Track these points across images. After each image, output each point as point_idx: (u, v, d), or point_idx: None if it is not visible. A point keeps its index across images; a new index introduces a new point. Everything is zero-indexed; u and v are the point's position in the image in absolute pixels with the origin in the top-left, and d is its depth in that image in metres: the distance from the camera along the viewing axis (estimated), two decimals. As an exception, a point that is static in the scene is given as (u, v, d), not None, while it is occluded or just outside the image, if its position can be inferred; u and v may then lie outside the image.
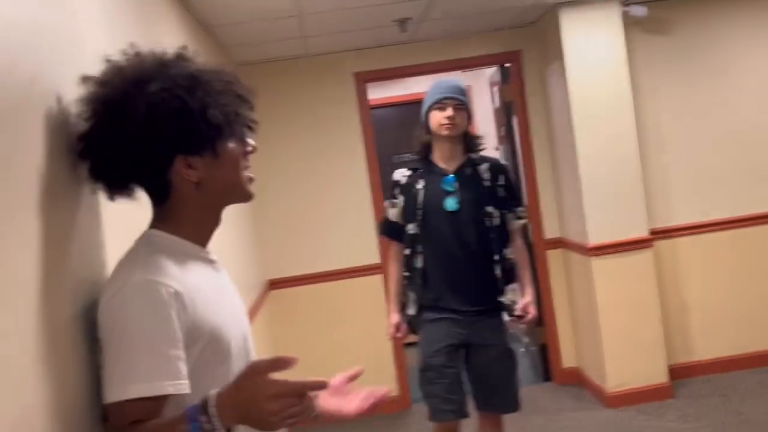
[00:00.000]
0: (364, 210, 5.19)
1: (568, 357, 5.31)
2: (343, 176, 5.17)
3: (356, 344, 5.11)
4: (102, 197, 1.47)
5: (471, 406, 3.36)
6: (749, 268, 5.06)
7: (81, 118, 1.39)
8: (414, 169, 3.42)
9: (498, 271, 3.29)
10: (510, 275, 3.35)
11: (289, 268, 5.14)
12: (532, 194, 5.19)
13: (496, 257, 3.29)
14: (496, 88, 5.85)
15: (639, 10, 4.72)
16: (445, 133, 3.27)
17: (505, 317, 3.36)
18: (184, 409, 1.24)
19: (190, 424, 1.21)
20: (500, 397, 3.34)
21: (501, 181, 3.36)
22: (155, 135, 1.32)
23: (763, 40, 5.04)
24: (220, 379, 1.37)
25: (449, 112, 3.24)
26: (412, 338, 3.56)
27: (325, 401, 1.65)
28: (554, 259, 5.24)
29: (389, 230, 3.50)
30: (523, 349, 5.81)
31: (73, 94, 1.42)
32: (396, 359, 5.22)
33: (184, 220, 1.42)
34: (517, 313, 3.31)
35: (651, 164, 4.97)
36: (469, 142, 3.37)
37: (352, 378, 1.76)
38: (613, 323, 4.69)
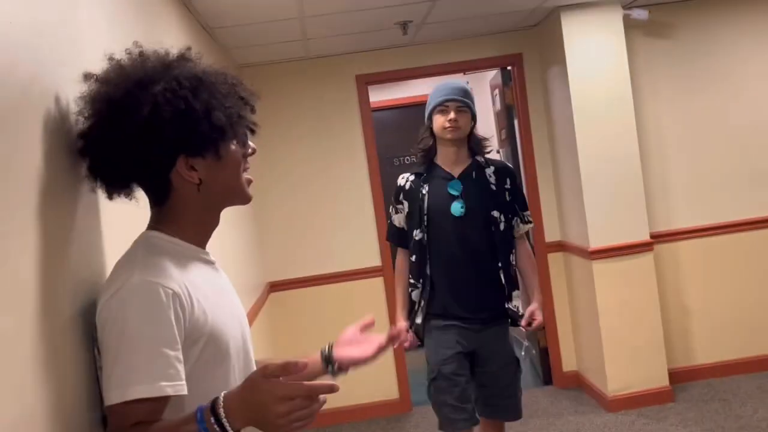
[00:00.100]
0: (365, 212, 5.18)
1: (568, 360, 5.30)
2: (344, 178, 5.17)
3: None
4: (101, 197, 1.47)
5: None
6: (750, 273, 5.05)
7: (82, 116, 1.39)
8: (418, 174, 3.34)
9: (504, 278, 3.23)
10: (515, 281, 3.29)
11: (289, 271, 5.13)
12: (533, 197, 5.18)
13: (502, 263, 3.23)
14: (497, 91, 5.85)
15: (640, 14, 4.73)
16: (448, 136, 3.22)
17: (510, 324, 3.31)
18: (194, 410, 1.24)
19: (198, 425, 1.20)
20: (504, 405, 3.30)
21: (507, 184, 3.30)
22: (157, 135, 1.32)
23: (764, 45, 5.03)
24: (220, 379, 1.38)
25: (452, 114, 3.19)
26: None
27: (343, 352, 1.76)
28: (555, 262, 5.24)
29: (395, 236, 3.44)
30: (523, 353, 5.81)
31: (73, 93, 1.42)
32: (396, 362, 5.21)
33: (184, 222, 1.41)
34: (523, 322, 3.23)
35: (652, 168, 4.97)
36: (474, 144, 3.31)
37: (365, 327, 1.82)
38: (613, 327, 4.68)
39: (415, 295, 3.31)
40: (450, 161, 3.29)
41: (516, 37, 5.18)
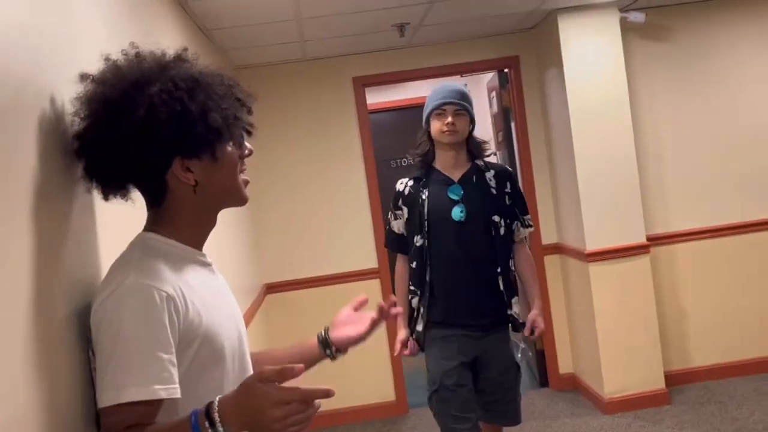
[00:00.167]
0: (362, 214, 5.18)
1: (565, 363, 5.30)
2: (341, 180, 5.17)
3: (353, 349, 5.08)
4: (97, 199, 1.47)
5: None
6: (746, 276, 5.06)
7: (77, 117, 1.39)
8: (417, 179, 3.28)
9: (503, 283, 3.18)
10: (515, 287, 3.24)
11: (286, 272, 5.13)
12: (530, 199, 5.18)
13: (503, 269, 3.18)
14: (494, 93, 5.85)
15: (637, 17, 4.73)
16: (446, 140, 3.17)
17: (511, 331, 3.27)
18: (189, 414, 1.23)
19: (193, 430, 1.20)
20: (504, 411, 3.26)
21: (507, 188, 3.25)
22: (153, 137, 1.31)
23: (761, 49, 5.04)
24: (215, 382, 1.38)
25: (449, 118, 3.14)
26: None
27: (340, 334, 1.78)
28: (551, 264, 5.24)
29: (393, 243, 3.37)
30: (519, 355, 5.81)
31: (69, 94, 1.42)
32: (393, 364, 5.20)
33: (180, 223, 1.41)
34: (526, 332, 3.19)
35: (648, 171, 4.97)
36: (473, 147, 3.26)
37: (359, 305, 1.84)
38: (610, 329, 4.68)
39: (415, 302, 3.24)
40: (449, 165, 3.24)
41: (513, 39, 5.18)
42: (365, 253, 5.18)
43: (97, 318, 1.28)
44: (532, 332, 3.21)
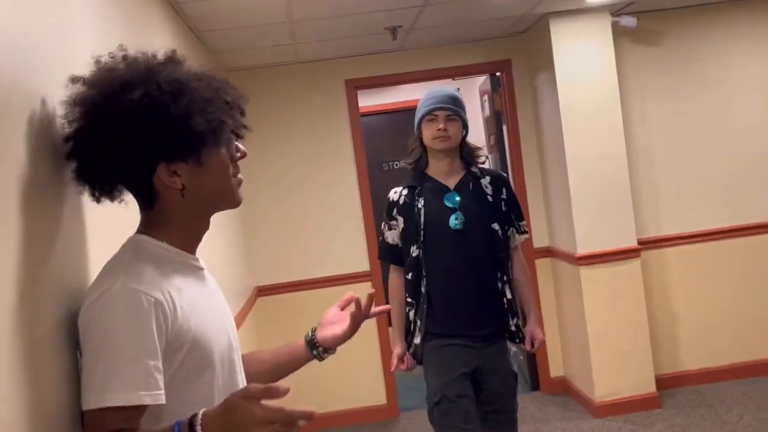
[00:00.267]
0: (353, 217, 5.18)
1: (556, 366, 5.31)
2: (332, 183, 5.17)
3: (343, 351, 5.06)
4: (87, 201, 1.46)
5: None
6: (736, 279, 5.08)
7: (67, 120, 1.38)
8: (411, 187, 3.16)
9: (506, 292, 3.09)
10: (516, 295, 3.16)
11: (277, 275, 5.12)
12: (521, 203, 5.13)
13: (503, 277, 3.09)
14: (486, 97, 5.86)
15: (629, 21, 4.75)
16: (438, 146, 3.07)
17: (508, 338, 3.18)
18: (172, 424, 1.22)
19: None
20: (502, 420, 3.15)
21: (503, 194, 3.15)
22: (135, 142, 1.30)
23: (751, 53, 5.07)
24: (205, 386, 1.37)
25: (441, 123, 3.04)
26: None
27: (326, 333, 1.77)
28: (543, 268, 5.25)
29: (386, 253, 3.24)
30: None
31: (59, 96, 1.41)
32: (384, 367, 5.20)
33: (172, 226, 1.40)
34: (527, 345, 3.16)
35: (640, 174, 4.99)
36: (466, 154, 3.16)
37: (346, 303, 1.83)
38: (601, 333, 4.69)
39: (412, 314, 3.12)
40: (443, 172, 3.14)
41: (505, 43, 5.19)
42: (357, 256, 5.18)
43: (85, 319, 1.28)
44: (532, 344, 3.16)
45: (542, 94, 4.98)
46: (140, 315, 1.26)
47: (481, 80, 5.96)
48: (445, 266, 3.06)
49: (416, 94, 3.43)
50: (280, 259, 5.13)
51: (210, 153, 1.38)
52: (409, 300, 3.14)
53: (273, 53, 4.71)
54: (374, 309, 1.83)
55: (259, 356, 1.73)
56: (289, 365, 1.79)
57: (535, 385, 5.35)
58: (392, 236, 3.20)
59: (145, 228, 1.41)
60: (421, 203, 3.10)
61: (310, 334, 1.80)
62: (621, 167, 4.69)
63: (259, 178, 4.99)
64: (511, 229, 3.16)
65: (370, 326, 5.15)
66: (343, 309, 1.83)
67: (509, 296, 3.10)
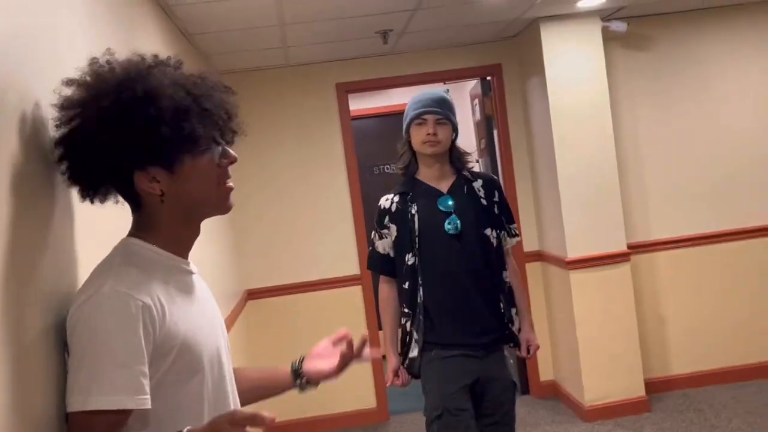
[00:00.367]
0: (344, 220, 5.18)
1: (545, 370, 5.32)
2: (323, 186, 5.16)
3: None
4: (78, 204, 1.45)
5: None
6: (725, 284, 5.10)
7: (56, 123, 1.38)
8: (403, 193, 3.07)
9: (503, 297, 3.02)
10: (512, 299, 3.08)
11: (267, 278, 5.11)
12: (512, 207, 5.17)
13: (500, 283, 3.02)
14: (477, 101, 5.87)
15: (619, 26, 4.77)
16: (428, 151, 2.98)
17: (507, 350, 3.10)
18: None
19: None
20: (502, 430, 3.05)
21: (496, 197, 3.09)
22: (106, 148, 1.31)
23: (741, 59, 5.10)
24: (195, 390, 1.37)
25: (430, 128, 2.96)
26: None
27: (312, 365, 1.74)
28: (533, 272, 5.26)
29: (376, 263, 3.13)
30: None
31: (50, 99, 1.41)
32: (374, 371, 5.20)
33: (160, 230, 1.40)
34: (522, 352, 3.09)
35: (629, 179, 5.01)
36: (455, 159, 3.08)
37: (338, 340, 1.78)
38: (590, 337, 4.70)
39: (408, 325, 3.01)
40: (434, 177, 3.05)
41: (496, 47, 5.20)
42: (347, 260, 5.17)
43: (73, 321, 1.28)
44: (527, 351, 3.10)
45: (533, 99, 4.99)
46: (128, 319, 1.25)
47: (471, 84, 5.97)
48: (443, 273, 2.97)
49: (407, 97, 3.38)
50: (270, 262, 5.12)
51: (186, 161, 1.36)
52: (405, 310, 3.02)
53: (264, 56, 4.71)
54: (366, 352, 1.76)
55: (245, 373, 1.71)
56: (272, 389, 1.77)
57: (525, 389, 5.35)
58: (383, 245, 3.10)
59: (136, 231, 1.41)
60: (414, 209, 3.01)
61: (297, 362, 1.77)
62: (611, 172, 4.71)
63: (250, 181, 4.99)
64: (503, 232, 3.10)
65: (359, 328, 5.15)
66: (335, 344, 1.78)
67: (504, 301, 3.03)
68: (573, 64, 4.68)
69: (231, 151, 1.44)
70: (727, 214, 5.09)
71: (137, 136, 1.30)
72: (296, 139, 5.12)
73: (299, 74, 5.11)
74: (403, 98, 6.26)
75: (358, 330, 5.17)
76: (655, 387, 4.95)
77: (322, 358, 1.76)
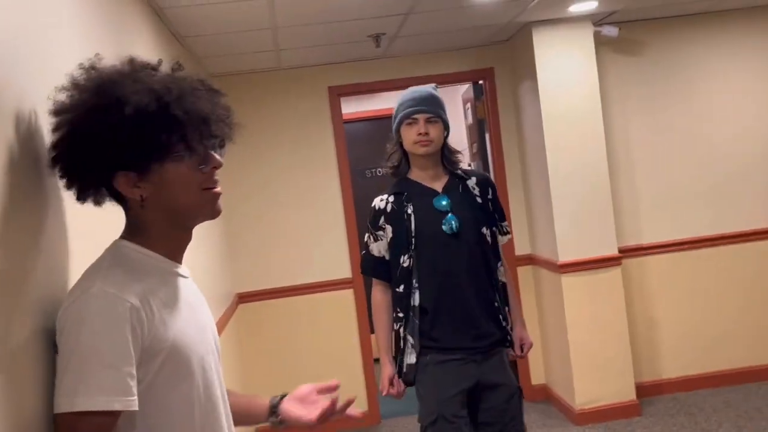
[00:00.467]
0: (336, 224, 5.17)
1: (536, 374, 5.32)
2: (315, 190, 5.16)
3: (325, 358, 5.08)
4: (69, 207, 1.45)
5: None
6: (716, 288, 5.12)
7: (50, 128, 1.39)
8: (398, 193, 2.98)
9: (498, 297, 2.95)
10: (506, 298, 3.02)
11: (258, 282, 5.10)
12: (504, 210, 5.21)
13: (495, 283, 2.96)
14: (469, 105, 5.89)
15: (610, 30, 4.79)
16: (420, 151, 2.91)
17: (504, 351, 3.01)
18: None
19: None
20: None
21: (489, 195, 3.02)
22: (78, 153, 1.32)
23: (732, 63, 5.12)
24: (183, 394, 1.37)
25: (422, 127, 2.88)
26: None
27: (290, 408, 1.70)
28: (524, 275, 5.26)
29: (370, 266, 3.04)
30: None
31: (43, 103, 1.41)
32: (365, 374, 5.19)
33: (150, 234, 1.40)
34: (516, 351, 3.03)
35: (621, 183, 5.02)
36: (445, 158, 3.00)
37: (325, 390, 1.76)
38: (581, 341, 4.71)
39: (402, 330, 2.92)
40: (427, 176, 2.98)
41: (488, 51, 5.22)
42: (339, 263, 5.17)
43: (62, 322, 1.28)
44: (521, 349, 3.06)
45: (525, 102, 5.00)
46: (116, 320, 1.25)
47: (464, 88, 5.98)
48: (441, 274, 2.88)
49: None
50: (261, 265, 5.11)
51: (154, 167, 1.35)
52: (400, 315, 2.93)
53: (256, 59, 4.70)
54: (349, 411, 1.75)
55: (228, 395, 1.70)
56: (248, 417, 1.74)
57: (516, 393, 5.35)
58: (378, 248, 3.00)
59: (127, 234, 1.41)
60: (410, 209, 2.93)
61: (277, 399, 1.74)
62: (602, 175, 4.72)
63: (241, 184, 4.98)
64: (496, 230, 3.05)
65: (351, 332, 5.15)
66: (320, 393, 1.76)
67: (499, 301, 2.97)
68: (565, 68, 4.69)
69: (216, 156, 1.42)
70: (718, 218, 5.11)
71: (102, 143, 1.30)
72: (288, 142, 5.12)
73: (291, 77, 5.11)
74: (395, 102, 6.27)
75: (350, 333, 5.17)
76: (646, 391, 4.97)
77: (304, 404, 1.73)
